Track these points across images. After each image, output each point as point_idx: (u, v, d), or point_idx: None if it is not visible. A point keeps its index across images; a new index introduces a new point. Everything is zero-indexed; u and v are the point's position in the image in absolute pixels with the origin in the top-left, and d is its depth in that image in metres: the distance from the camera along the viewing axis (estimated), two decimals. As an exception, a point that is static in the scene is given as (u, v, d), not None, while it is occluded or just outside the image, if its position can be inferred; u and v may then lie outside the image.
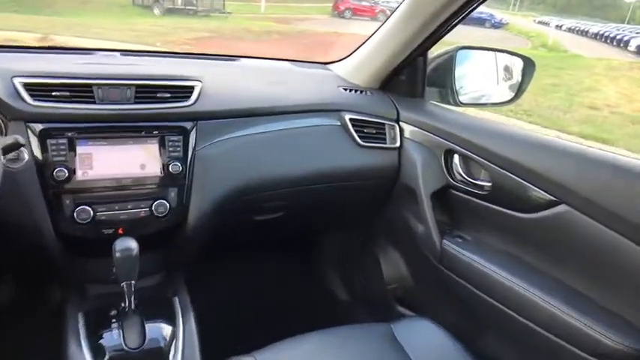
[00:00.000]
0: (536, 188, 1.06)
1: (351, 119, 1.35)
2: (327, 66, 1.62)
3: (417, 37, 1.30)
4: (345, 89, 1.45)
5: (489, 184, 1.19)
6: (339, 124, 1.35)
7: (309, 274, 1.92)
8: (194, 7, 10.91)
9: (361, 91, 1.46)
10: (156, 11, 10.34)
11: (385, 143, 1.38)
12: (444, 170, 1.30)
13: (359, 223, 1.68)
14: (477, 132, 1.22)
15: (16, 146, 0.90)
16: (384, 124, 1.39)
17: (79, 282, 1.18)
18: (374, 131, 1.38)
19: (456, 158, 1.29)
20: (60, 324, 1.06)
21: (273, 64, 1.65)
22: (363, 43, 1.50)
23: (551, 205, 1.04)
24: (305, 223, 1.58)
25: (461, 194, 1.28)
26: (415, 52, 1.34)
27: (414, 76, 1.44)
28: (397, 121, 1.41)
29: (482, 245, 1.24)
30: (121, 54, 1.38)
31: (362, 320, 1.69)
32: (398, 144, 1.39)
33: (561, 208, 1.02)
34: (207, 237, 1.22)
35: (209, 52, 1.72)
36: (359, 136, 1.35)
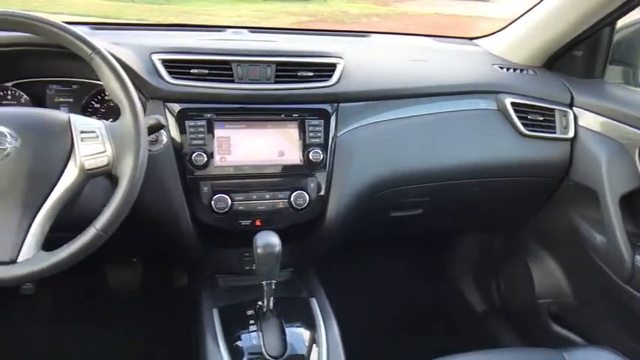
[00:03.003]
0: None
1: (512, 103, 1.14)
2: (474, 41, 1.41)
3: (611, 1, 1.04)
4: (502, 67, 1.24)
5: None
6: (496, 108, 1.16)
7: (438, 276, 1.73)
8: (294, -8, 11.01)
9: (521, 70, 1.24)
10: (258, -4, 10.53)
11: (554, 133, 1.16)
12: (639, 169, 1.04)
13: (507, 224, 1.46)
14: None
15: (158, 127, 0.83)
16: (553, 109, 1.17)
17: (208, 271, 1.11)
18: (540, 118, 1.16)
19: None
20: (195, 318, 1.00)
21: (410, 39, 1.47)
22: (522, 15, 1.28)
23: None
24: (444, 222, 1.39)
25: None
26: (605, 20, 1.09)
27: (593, 51, 1.20)
28: (570, 106, 1.18)
29: None
30: (249, 31, 1.29)
31: (501, 334, 1.50)
32: (571, 134, 1.16)
33: None
34: (343, 233, 1.09)
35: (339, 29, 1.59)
36: (522, 124, 1.14)
